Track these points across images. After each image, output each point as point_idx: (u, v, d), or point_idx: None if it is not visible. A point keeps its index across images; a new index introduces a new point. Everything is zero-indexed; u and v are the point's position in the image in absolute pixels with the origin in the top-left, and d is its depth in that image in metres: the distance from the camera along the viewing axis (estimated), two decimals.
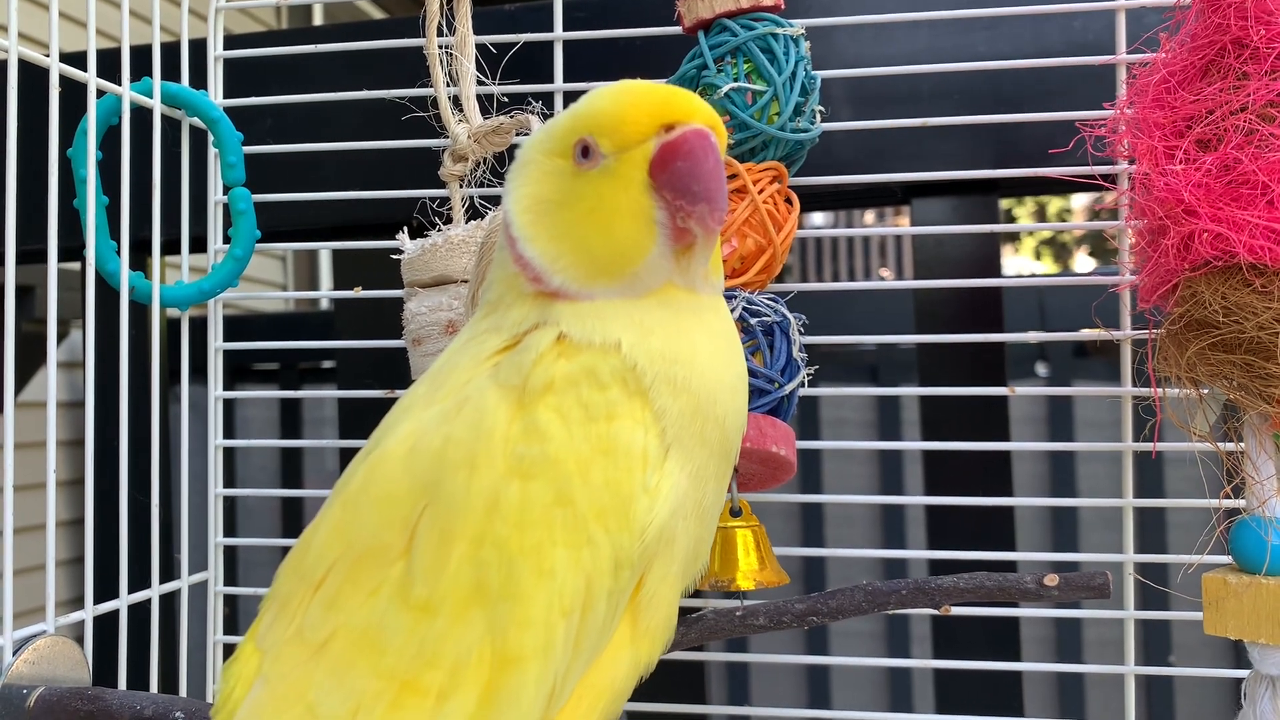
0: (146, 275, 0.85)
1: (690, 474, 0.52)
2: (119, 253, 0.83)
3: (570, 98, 0.92)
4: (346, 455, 0.76)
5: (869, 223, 6.95)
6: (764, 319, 0.75)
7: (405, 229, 0.84)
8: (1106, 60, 0.86)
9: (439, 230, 0.81)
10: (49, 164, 0.71)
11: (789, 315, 0.77)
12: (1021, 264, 8.13)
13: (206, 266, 0.93)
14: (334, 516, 0.53)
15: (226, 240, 0.94)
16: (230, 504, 1.06)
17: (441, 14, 0.81)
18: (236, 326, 1.96)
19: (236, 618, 1.58)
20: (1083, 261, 7.93)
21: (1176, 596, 0.80)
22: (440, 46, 0.81)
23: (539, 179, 0.55)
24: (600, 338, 0.51)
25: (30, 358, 1.99)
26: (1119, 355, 0.86)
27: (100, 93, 0.79)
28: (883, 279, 6.80)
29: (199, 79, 0.94)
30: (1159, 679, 1.73)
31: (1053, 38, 0.96)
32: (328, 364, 2.16)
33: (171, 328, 0.98)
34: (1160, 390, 0.72)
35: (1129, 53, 0.85)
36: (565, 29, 0.93)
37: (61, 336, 2.31)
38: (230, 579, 1.01)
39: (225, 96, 0.98)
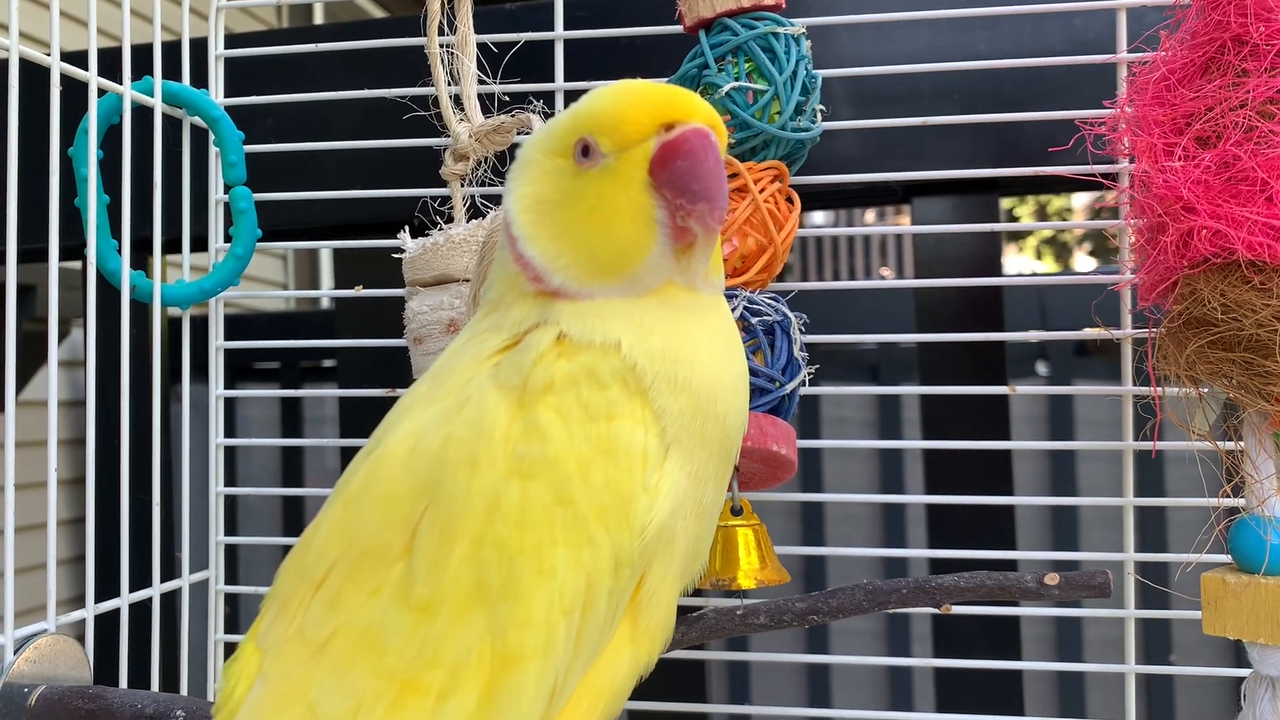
0: (147, 274, 0.85)
1: (690, 473, 0.52)
2: (120, 252, 0.83)
3: (571, 97, 0.92)
4: (347, 454, 0.76)
5: (870, 222, 6.95)
6: (765, 318, 0.75)
7: (406, 228, 0.84)
8: (1107, 59, 0.86)
9: (440, 229, 0.81)
10: (50, 163, 0.71)
11: (790, 314, 0.77)
12: (1023, 263, 8.13)
13: (207, 265, 0.93)
14: (335, 516, 0.53)
15: (227, 239, 0.94)
16: (231, 503, 1.06)
17: (442, 13, 0.81)
18: (237, 325, 1.97)
19: (237, 616, 1.59)
20: (1083, 261, 7.93)
21: (1177, 596, 0.80)
22: (441, 45, 0.82)
23: (539, 178, 0.55)
24: (600, 337, 0.51)
25: (31, 356, 1.99)
26: (1119, 354, 0.86)
27: (101, 92, 0.80)
28: (883, 278, 6.80)
29: (200, 78, 0.94)
30: (1159, 678, 1.73)
31: (1053, 36, 0.96)
32: (329, 363, 2.16)
33: (172, 326, 0.98)
34: (1160, 389, 0.72)
35: (1129, 51, 0.85)
36: (566, 28, 0.93)
37: (62, 335, 2.31)
38: (231, 578, 1.01)
39: (226, 95, 0.98)
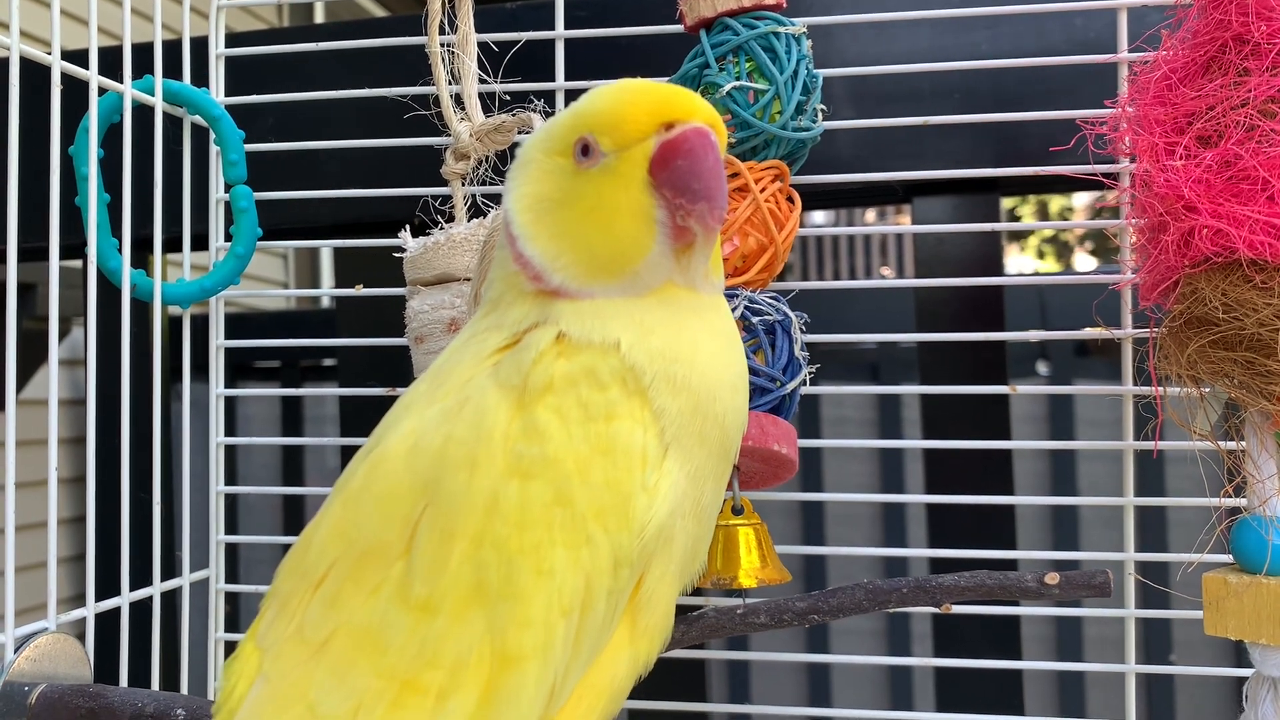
0: (148, 273, 0.85)
1: (689, 473, 0.52)
2: (120, 250, 0.83)
3: (572, 96, 0.92)
4: (348, 453, 0.76)
5: (870, 221, 6.95)
6: (765, 317, 0.75)
7: (407, 227, 0.84)
8: (1108, 58, 0.86)
9: (441, 228, 0.81)
10: (50, 162, 0.71)
11: (790, 314, 0.77)
12: (1024, 262, 8.12)
13: (208, 264, 0.93)
14: (335, 515, 0.53)
15: (228, 238, 0.94)
16: (232, 501, 1.06)
17: (443, 12, 0.81)
18: (238, 324, 1.97)
19: (238, 615, 1.58)
20: (1084, 260, 7.93)
21: (1177, 595, 0.80)
22: (442, 44, 0.81)
23: (539, 178, 0.55)
24: (600, 337, 0.51)
25: (32, 355, 2.00)
26: (1120, 354, 0.86)
27: (102, 90, 0.79)
28: (884, 277, 6.80)
29: (200, 77, 0.94)
30: (1159, 678, 1.73)
31: (1054, 36, 0.96)
32: (329, 362, 2.17)
33: (173, 325, 0.98)
34: (1161, 389, 0.72)
35: (1130, 50, 0.85)
36: (567, 27, 0.93)
37: (63, 334, 2.31)
38: (231, 577, 1.01)
39: (227, 94, 0.98)
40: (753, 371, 0.73)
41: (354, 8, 4.20)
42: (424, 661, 0.48)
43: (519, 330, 0.54)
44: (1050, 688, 1.79)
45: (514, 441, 0.49)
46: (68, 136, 0.75)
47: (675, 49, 0.84)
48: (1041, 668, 0.98)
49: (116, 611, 0.80)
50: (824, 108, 0.81)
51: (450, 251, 0.78)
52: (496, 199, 0.84)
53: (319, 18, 3.80)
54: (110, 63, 0.81)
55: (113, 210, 0.82)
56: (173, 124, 0.90)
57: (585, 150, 0.53)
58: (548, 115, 0.73)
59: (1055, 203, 6.94)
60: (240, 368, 2.20)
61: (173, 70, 0.90)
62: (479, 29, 0.83)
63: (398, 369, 1.00)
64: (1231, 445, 0.69)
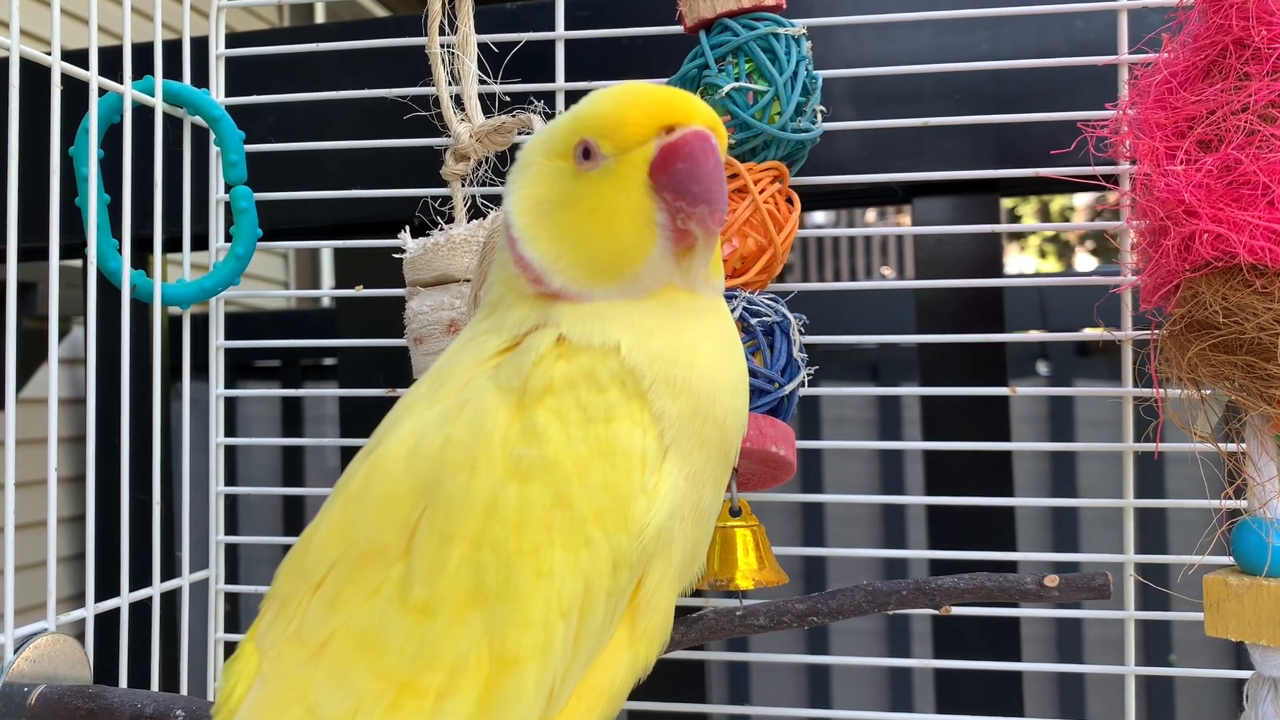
0: (148, 273, 0.85)
1: (688, 475, 0.52)
2: (120, 250, 0.83)
3: (572, 97, 0.92)
4: (348, 453, 0.76)
5: (870, 222, 6.95)
6: (764, 319, 0.75)
7: (407, 228, 0.84)
8: (1108, 60, 0.86)
9: (441, 229, 0.81)
10: (50, 162, 0.71)
11: (789, 315, 0.77)
12: (1025, 263, 8.12)
13: (208, 264, 0.93)
14: (334, 516, 0.53)
15: (228, 238, 0.94)
16: (231, 502, 1.06)
17: (444, 12, 0.81)
18: (238, 324, 1.97)
19: (238, 616, 1.58)
20: (1085, 261, 7.93)
21: (1177, 597, 0.80)
22: (442, 45, 0.81)
23: (539, 180, 0.55)
24: (600, 339, 0.51)
25: (32, 354, 2.00)
26: (1120, 355, 0.86)
27: (102, 91, 0.79)
28: (884, 278, 6.80)
29: (201, 77, 0.94)
30: (1159, 679, 1.73)
31: (1055, 38, 0.96)
32: (329, 362, 2.17)
33: (173, 325, 0.98)
34: (1162, 391, 0.72)
35: (1131, 53, 0.85)
36: (567, 28, 0.93)
37: (63, 334, 2.31)
38: (231, 577, 1.01)
39: (227, 95, 0.98)
40: (751, 373, 0.73)
41: (355, 8, 4.20)
42: (423, 663, 0.48)
43: (519, 333, 0.54)
44: (1050, 689, 1.79)
45: (513, 444, 0.49)
46: (68, 137, 0.75)
47: (675, 50, 0.84)
48: (1041, 669, 0.98)
49: (116, 612, 0.80)
50: (824, 109, 0.81)
51: (450, 253, 0.78)
52: (496, 200, 0.84)
53: (319, 18, 3.80)
54: (110, 63, 0.81)
55: (113, 210, 0.82)
56: (173, 124, 0.90)
57: (586, 153, 0.53)
58: (548, 116, 0.73)
59: (1056, 203, 6.94)
60: (240, 367, 2.20)
61: (173, 70, 0.90)
62: (479, 29, 0.83)
63: (398, 369, 1.00)
64: (1232, 447, 0.69)
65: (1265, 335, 0.61)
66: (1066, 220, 6.04)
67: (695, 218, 0.51)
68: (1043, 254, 8.05)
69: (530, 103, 0.80)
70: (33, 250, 0.79)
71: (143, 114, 0.85)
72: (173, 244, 0.93)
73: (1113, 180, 0.82)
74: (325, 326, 1.84)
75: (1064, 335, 0.92)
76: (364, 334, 1.02)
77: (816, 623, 0.66)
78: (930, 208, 1.02)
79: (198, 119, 0.91)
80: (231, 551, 1.03)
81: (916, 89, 0.98)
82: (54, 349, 0.72)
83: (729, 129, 0.76)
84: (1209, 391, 0.68)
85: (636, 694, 0.56)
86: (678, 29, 0.83)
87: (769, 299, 0.77)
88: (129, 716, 0.66)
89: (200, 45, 0.96)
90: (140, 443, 0.83)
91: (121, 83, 0.82)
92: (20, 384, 2.07)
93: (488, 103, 0.85)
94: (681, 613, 0.63)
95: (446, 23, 0.82)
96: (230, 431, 1.41)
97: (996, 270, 1.03)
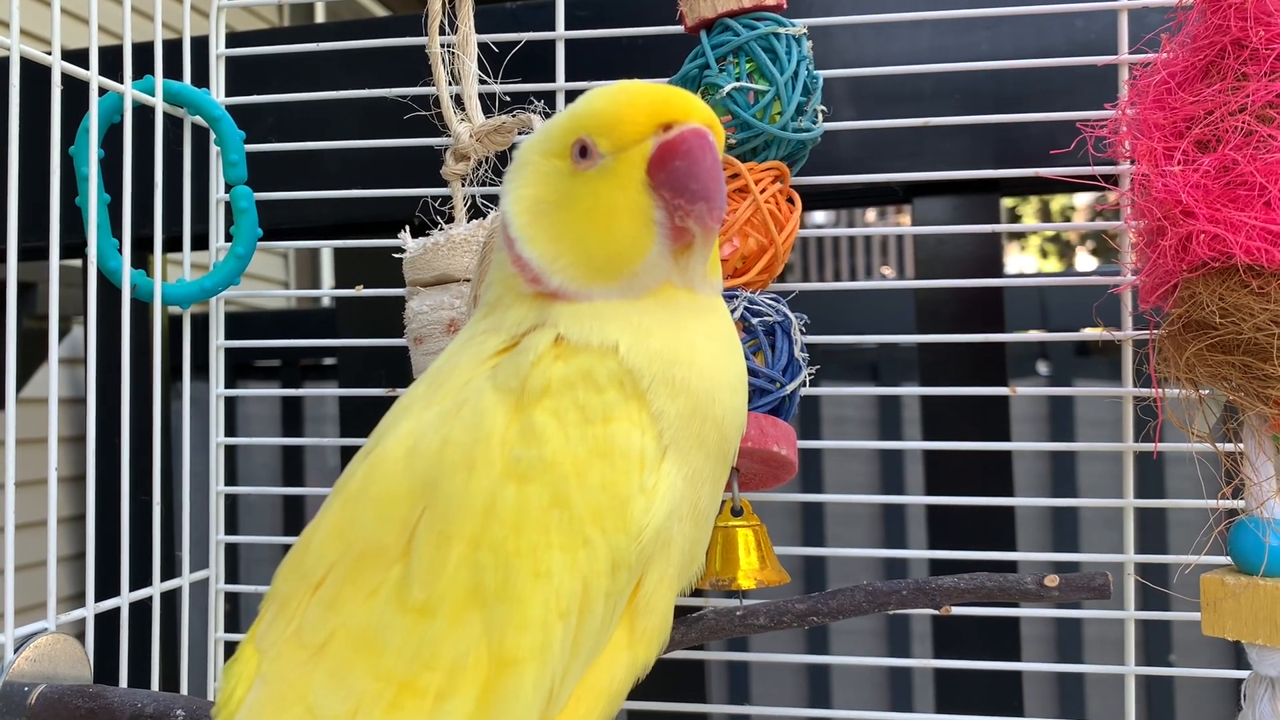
0: (148, 273, 0.86)
1: (687, 476, 0.52)
2: (120, 250, 0.83)
3: (572, 97, 0.92)
4: (347, 453, 0.76)
5: (870, 222, 6.94)
6: (765, 319, 0.75)
7: (407, 227, 0.84)
8: (1108, 60, 0.86)
9: (441, 229, 0.81)
10: (51, 161, 0.71)
11: (790, 315, 0.77)
12: (1025, 263, 8.12)
13: (208, 264, 0.93)
14: (333, 516, 0.53)
15: (228, 238, 0.94)
16: (232, 501, 1.06)
17: (444, 12, 0.81)
18: (238, 324, 1.97)
19: (238, 615, 1.59)
20: (1085, 260, 7.93)
21: (1177, 597, 0.80)
22: (442, 45, 0.82)
23: (537, 180, 0.55)
24: (598, 339, 0.51)
25: (32, 354, 2.00)
26: (1120, 355, 0.86)
27: (102, 90, 0.80)
28: (884, 278, 6.80)
29: (201, 77, 0.94)
30: (1159, 679, 1.73)
31: (1055, 38, 0.96)
32: (329, 361, 2.17)
33: (173, 325, 0.98)
34: (1161, 391, 0.72)
35: (1131, 53, 0.85)
36: (567, 28, 0.93)
37: (63, 333, 2.31)
38: (231, 577, 1.01)
39: (227, 94, 0.98)
40: (752, 373, 0.73)
41: (355, 8, 4.20)
42: (422, 663, 0.48)
43: (517, 333, 0.54)
44: (1050, 689, 1.79)
45: (511, 444, 0.49)
46: (68, 136, 0.75)
47: (675, 50, 0.84)
48: (1041, 669, 0.98)
49: (116, 611, 0.80)
50: (824, 108, 0.81)
51: (450, 252, 0.78)
52: (496, 200, 0.84)
53: (320, 18, 3.80)
54: (110, 63, 0.81)
55: (113, 210, 0.82)
56: (173, 124, 0.90)
57: (583, 152, 0.53)
58: (548, 116, 0.73)
59: (1056, 202, 6.94)
60: (240, 367, 2.20)
61: (173, 70, 0.90)
62: (479, 29, 0.83)
63: (398, 369, 1.00)
64: (1230, 447, 0.69)
65: (1262, 335, 0.61)
66: (1067, 220, 6.04)
67: (694, 215, 0.51)
68: (1044, 254, 8.05)
69: (530, 102, 0.81)
70: (33, 250, 0.79)
71: (143, 114, 0.85)
72: (173, 244, 0.93)
73: (1112, 180, 0.82)
74: (325, 326, 1.84)
75: (1064, 335, 0.92)
76: (364, 334, 1.02)
77: (816, 622, 0.66)
78: (930, 207, 1.02)
79: (198, 119, 0.91)
80: (231, 551, 1.03)
81: (916, 89, 0.98)
82: (54, 349, 0.72)
83: (730, 129, 0.76)
84: (1207, 392, 0.68)
85: (636, 694, 0.56)
86: (678, 29, 0.83)
87: (770, 299, 0.77)
88: (129, 716, 0.66)
89: (200, 45, 0.96)
90: (140, 442, 0.83)
91: (121, 82, 0.82)
92: (20, 384, 2.07)
93: (488, 102, 0.85)
94: (681, 612, 0.63)
95: (447, 22, 0.82)
96: (230, 431, 1.41)
97: (996, 270, 1.03)
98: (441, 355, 0.58)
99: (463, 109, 0.82)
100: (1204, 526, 0.70)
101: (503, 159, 0.81)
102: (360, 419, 1.09)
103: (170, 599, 0.89)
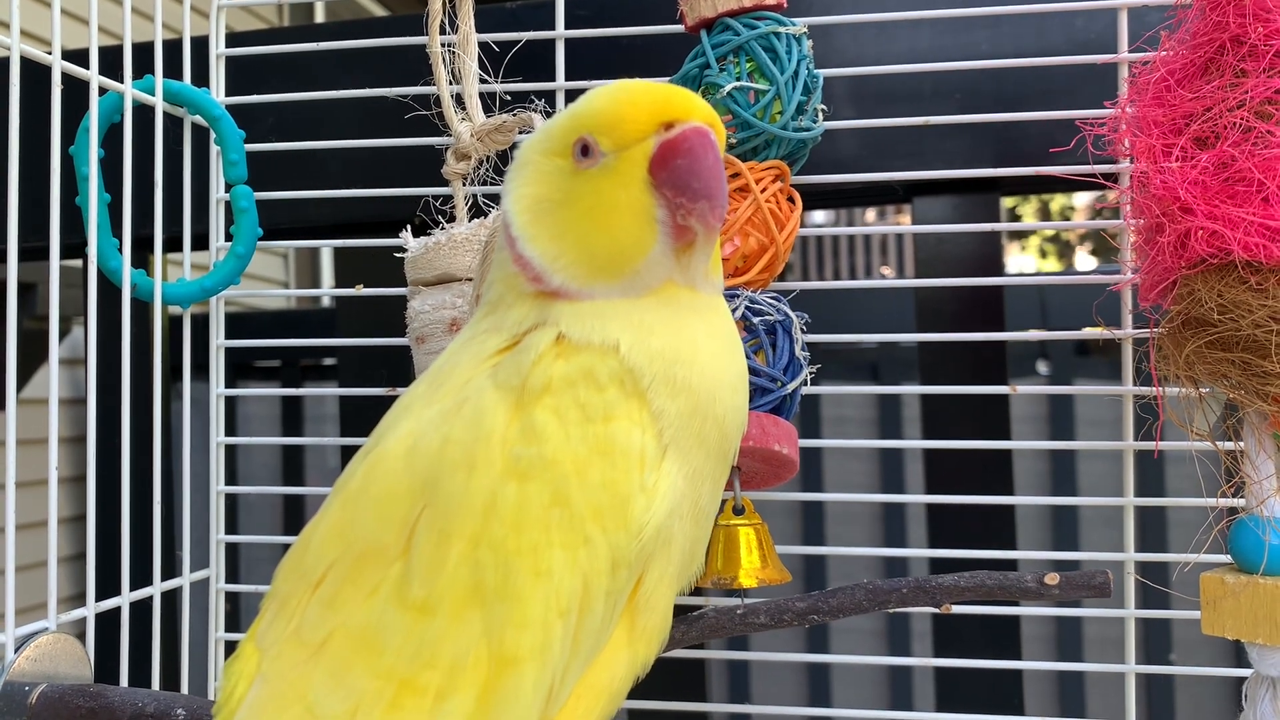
0: (148, 272, 0.86)
1: (687, 474, 0.52)
2: (121, 250, 0.83)
3: (572, 96, 0.92)
4: (348, 453, 0.76)
5: (870, 221, 6.94)
6: (766, 318, 0.75)
7: (408, 227, 0.84)
8: (1108, 59, 0.86)
9: (442, 228, 0.81)
10: (51, 161, 0.71)
11: (791, 314, 0.77)
12: (1025, 262, 8.12)
13: (208, 264, 0.93)
14: (333, 515, 0.53)
15: (228, 238, 0.94)
16: (232, 501, 1.06)
17: (444, 12, 0.81)
18: (238, 324, 1.97)
19: (238, 615, 1.59)
20: (1085, 260, 7.93)
21: (1177, 595, 0.80)
22: (443, 44, 0.82)
23: (538, 179, 0.55)
24: (599, 338, 0.51)
25: (32, 355, 2.00)
26: (1120, 354, 0.86)
27: (102, 90, 0.80)
28: (884, 277, 6.80)
29: (201, 77, 0.94)
30: (1159, 677, 1.73)
31: (1055, 36, 0.96)
32: (329, 361, 2.17)
33: (173, 325, 0.98)
34: (1161, 389, 0.72)
35: (1130, 51, 0.85)
36: (567, 27, 0.93)
37: (63, 334, 2.31)
38: (232, 576, 1.01)
39: (227, 94, 0.98)
40: (753, 371, 0.73)
41: (354, 7, 4.20)
42: (422, 662, 0.48)
43: (519, 332, 0.54)
44: (1050, 688, 1.79)
45: (512, 443, 0.49)
46: (68, 136, 0.75)
47: (676, 49, 0.84)
48: (1041, 668, 0.98)
49: (117, 611, 0.80)
50: (824, 108, 0.81)
51: (451, 252, 0.78)
52: (497, 199, 0.84)
53: (319, 17, 3.80)
54: (110, 63, 0.81)
55: (113, 210, 0.82)
56: (173, 124, 0.90)
57: (585, 150, 0.53)
58: (548, 115, 0.73)
59: (1056, 202, 6.94)
60: (241, 367, 2.20)
61: (173, 70, 0.90)
62: (479, 29, 0.83)
63: (398, 369, 1.00)
64: (1230, 445, 0.69)
65: (1260, 332, 0.61)
66: (1066, 220, 6.04)
67: (695, 213, 0.51)
68: (1043, 254, 8.05)
69: (531, 101, 0.81)
70: (33, 250, 0.79)
71: (143, 113, 0.85)
72: (173, 243, 0.93)
73: (1112, 178, 0.82)
74: (325, 326, 1.84)
75: (1064, 334, 0.92)
76: (364, 333, 1.02)
77: (817, 621, 0.66)
78: (930, 207, 1.02)
79: (198, 118, 0.91)
80: (232, 551, 1.03)
81: (916, 88, 0.98)
82: (54, 349, 0.72)
83: (730, 128, 0.76)
84: (1207, 389, 0.68)
85: (636, 693, 0.56)
86: (678, 28, 0.83)
87: (771, 298, 0.77)
88: (130, 715, 0.66)
89: (200, 45, 0.96)
90: (141, 442, 0.83)
91: (122, 82, 0.82)
92: (20, 384, 2.07)
93: (488, 102, 0.85)
94: (681, 611, 0.63)
95: (447, 22, 0.82)
96: (230, 431, 1.41)
97: (996, 269, 1.03)
98: (442, 354, 0.58)
99: (463, 108, 0.82)
100: (1203, 525, 0.70)
101: (504, 158, 0.81)
102: (360, 419, 1.09)
103: (171, 599, 0.89)
